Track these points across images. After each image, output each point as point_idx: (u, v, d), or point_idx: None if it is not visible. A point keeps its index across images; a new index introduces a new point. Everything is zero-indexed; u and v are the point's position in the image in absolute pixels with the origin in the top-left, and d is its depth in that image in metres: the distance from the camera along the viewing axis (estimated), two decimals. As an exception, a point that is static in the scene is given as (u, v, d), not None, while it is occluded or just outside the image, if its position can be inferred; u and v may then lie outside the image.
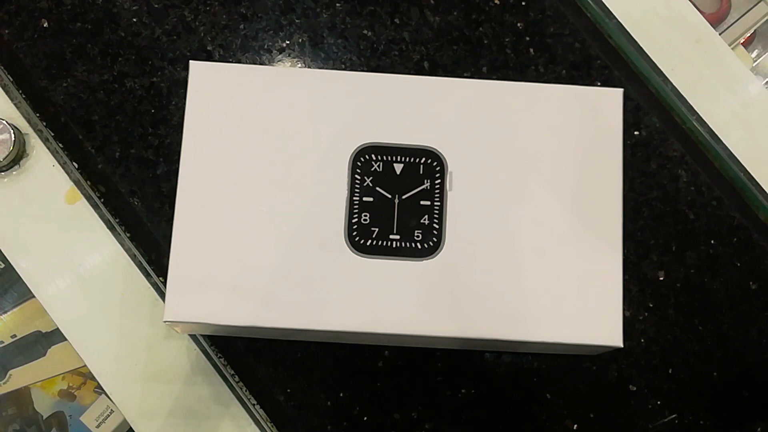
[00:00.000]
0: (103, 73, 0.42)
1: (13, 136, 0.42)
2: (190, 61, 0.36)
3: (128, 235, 0.41)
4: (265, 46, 0.42)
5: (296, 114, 0.35)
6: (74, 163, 0.41)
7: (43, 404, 0.62)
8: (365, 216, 0.35)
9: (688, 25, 0.46)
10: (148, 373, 0.41)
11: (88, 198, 0.43)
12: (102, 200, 0.41)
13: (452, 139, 0.35)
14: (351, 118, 0.35)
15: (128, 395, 0.41)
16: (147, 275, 0.42)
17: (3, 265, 0.62)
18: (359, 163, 0.35)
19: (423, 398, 0.39)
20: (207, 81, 0.36)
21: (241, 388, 0.40)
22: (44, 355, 0.62)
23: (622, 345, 0.34)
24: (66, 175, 0.43)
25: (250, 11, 0.43)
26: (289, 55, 0.43)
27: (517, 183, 0.35)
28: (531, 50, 0.43)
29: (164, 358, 0.41)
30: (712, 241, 0.41)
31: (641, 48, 0.45)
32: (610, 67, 0.43)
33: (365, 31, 0.43)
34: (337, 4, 0.43)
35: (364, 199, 0.35)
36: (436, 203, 0.35)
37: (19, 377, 0.62)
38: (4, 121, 0.42)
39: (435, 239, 0.35)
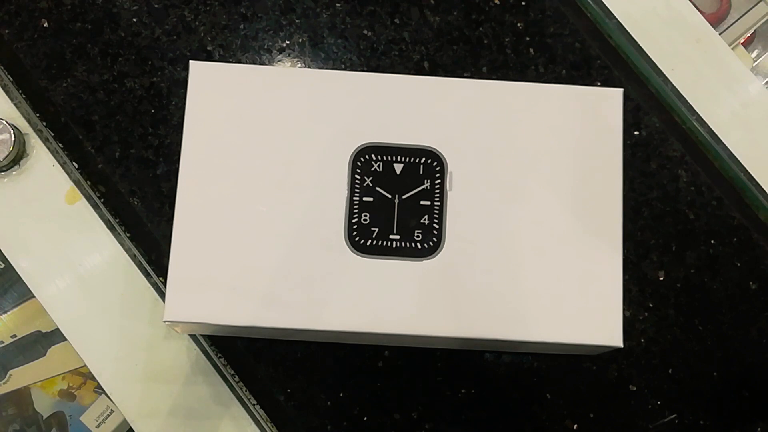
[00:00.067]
0: (103, 73, 0.42)
1: (13, 136, 0.42)
2: (190, 61, 0.36)
3: (128, 235, 0.41)
4: (265, 46, 0.42)
5: (296, 114, 0.35)
6: (74, 163, 0.41)
7: (43, 404, 0.62)
8: (365, 216, 0.35)
9: (688, 25, 0.46)
10: (148, 373, 0.41)
11: (88, 198, 0.43)
12: (102, 200, 0.41)
13: (452, 139, 0.35)
14: (351, 118, 0.35)
15: (128, 395, 0.41)
16: (147, 275, 0.42)
17: (3, 265, 0.62)
18: (359, 163, 0.35)
19: (423, 398, 0.39)
20: (207, 81, 0.36)
21: (241, 388, 0.40)
22: (44, 355, 0.62)
23: (622, 345, 0.34)
24: (66, 175, 0.43)
25: (250, 11, 0.43)
26: (289, 55, 0.43)
27: (517, 183, 0.35)
28: (531, 50, 0.43)
29: (164, 358, 0.41)
30: (712, 241, 0.41)
31: (641, 48, 0.45)
32: (610, 67, 0.43)
33: (365, 31, 0.43)
34: (337, 4, 0.43)
35: (364, 199, 0.35)
36: (436, 203, 0.35)
37: (19, 377, 0.62)
38: (4, 121, 0.42)
39: (435, 239, 0.35)
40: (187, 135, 0.35)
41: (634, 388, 0.40)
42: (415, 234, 0.35)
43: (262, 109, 0.35)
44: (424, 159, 0.35)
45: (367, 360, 0.40)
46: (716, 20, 0.82)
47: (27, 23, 0.42)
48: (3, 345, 0.62)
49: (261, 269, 0.34)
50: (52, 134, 0.41)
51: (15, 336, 0.62)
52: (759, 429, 0.40)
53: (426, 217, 0.35)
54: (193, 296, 0.34)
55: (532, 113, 0.36)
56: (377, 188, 0.35)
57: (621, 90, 0.36)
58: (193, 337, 0.42)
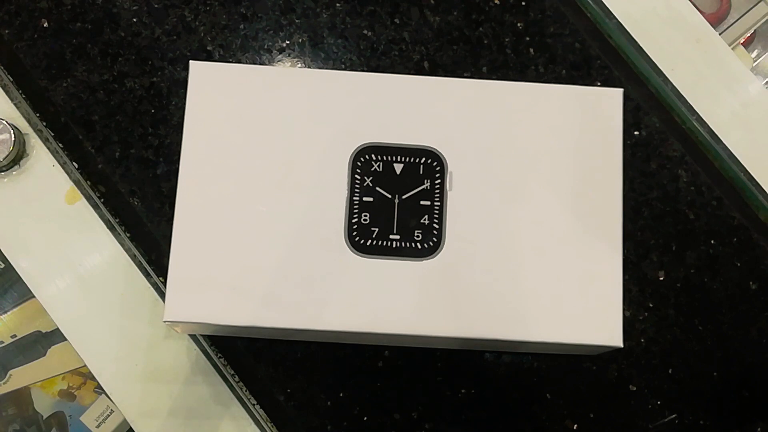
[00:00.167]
0: (103, 73, 0.42)
1: (13, 136, 0.42)
2: (190, 61, 0.36)
3: (128, 235, 0.41)
4: (265, 46, 0.42)
5: (296, 114, 0.35)
6: (74, 163, 0.41)
7: (43, 404, 0.62)
8: (365, 216, 0.35)
9: (688, 25, 0.46)
10: (148, 373, 0.41)
11: (88, 198, 0.43)
12: (102, 200, 0.41)
13: (452, 139, 0.35)
14: (351, 118, 0.35)
15: (128, 395, 0.41)
16: (147, 275, 0.42)
17: (3, 265, 0.61)
18: (359, 163, 0.35)
19: (423, 398, 0.39)
20: (207, 81, 0.36)
21: (241, 388, 0.40)
22: (44, 355, 0.62)
23: (622, 345, 0.34)
24: (66, 175, 0.43)
25: (250, 11, 0.43)
26: (289, 55, 0.43)
27: (517, 183, 0.35)
28: (531, 50, 0.43)
29: (164, 358, 0.41)
30: (712, 241, 0.41)
31: (641, 48, 0.45)
32: (610, 67, 0.43)
33: (365, 31, 0.43)
34: (337, 4, 0.43)
35: (364, 199, 0.35)
36: (436, 203, 0.35)
37: (19, 377, 0.62)
38: (4, 121, 0.42)
39: (435, 239, 0.35)
40: (187, 135, 0.35)
41: (634, 388, 0.40)
42: (415, 234, 0.35)
43: (262, 109, 0.35)
44: (424, 159, 0.35)
45: (367, 360, 0.40)
46: (716, 20, 0.82)
47: (27, 23, 0.42)
48: (3, 345, 0.62)
49: (261, 269, 0.34)
50: (52, 134, 0.41)
51: (15, 336, 0.62)
52: (759, 429, 0.40)
53: (426, 217, 0.35)
54: (193, 296, 0.34)
55: (532, 113, 0.36)
56: (377, 188, 0.35)
57: (621, 90, 0.36)
58: (193, 337, 0.42)
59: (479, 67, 0.42)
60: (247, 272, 0.34)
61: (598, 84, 0.42)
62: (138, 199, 0.41)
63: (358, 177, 0.35)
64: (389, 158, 0.35)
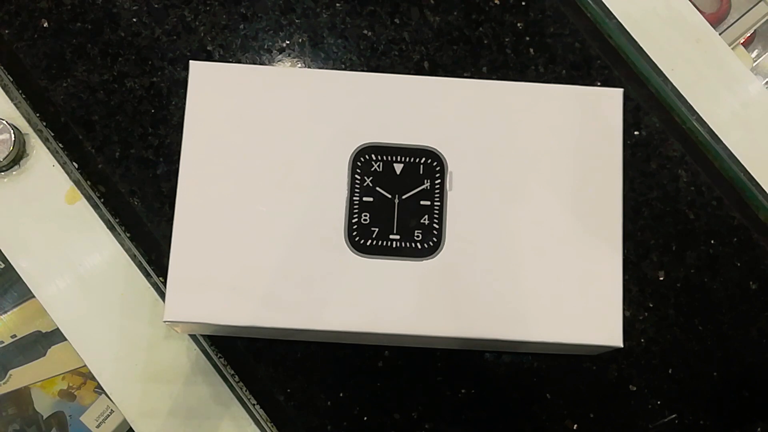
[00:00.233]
0: (103, 73, 0.42)
1: (13, 136, 0.42)
2: (190, 61, 0.36)
3: (128, 235, 0.41)
4: (265, 46, 0.42)
5: (296, 114, 0.35)
6: (74, 163, 0.41)
7: (43, 404, 0.62)
8: (365, 216, 0.35)
9: (688, 25, 0.46)
10: (148, 373, 0.41)
11: (88, 198, 0.43)
12: (102, 200, 0.41)
13: (452, 139, 0.35)
14: (351, 118, 0.35)
15: (128, 395, 0.41)
16: (147, 275, 0.42)
17: (3, 265, 0.62)
18: (359, 163, 0.35)
19: (423, 398, 0.39)
20: (207, 81, 0.36)
21: (241, 388, 0.40)
22: (44, 355, 0.62)
23: (622, 345, 0.34)
24: (66, 175, 0.43)
25: (250, 11, 0.43)
26: (289, 55, 0.43)
27: (517, 183, 0.35)
28: (531, 50, 0.43)
29: (164, 358, 0.41)
30: (712, 241, 0.41)
31: (641, 48, 0.45)
32: (610, 67, 0.43)
33: (365, 31, 0.43)
34: (337, 4, 0.43)
35: (364, 199, 0.35)
36: (436, 203, 0.35)
37: (19, 377, 0.62)
38: (4, 121, 0.42)
39: (435, 239, 0.35)
40: (187, 135, 0.35)
41: (634, 388, 0.40)
42: (415, 234, 0.35)
43: (262, 109, 0.35)
44: (424, 159, 0.35)
45: (367, 360, 0.40)
46: (716, 20, 0.82)
47: (27, 23, 0.42)
48: (3, 345, 0.62)
49: (261, 269, 0.34)
50: (52, 134, 0.41)
51: (15, 336, 0.62)
52: (759, 429, 0.40)
53: (426, 217, 0.35)
54: (193, 296, 0.34)
55: (532, 113, 0.36)
56: (377, 188, 0.35)
57: (621, 90, 0.36)
58: (193, 337, 0.42)
59: (479, 67, 0.42)
60: (247, 272, 0.34)
61: (598, 84, 0.42)
62: (138, 199, 0.41)
63: (358, 177, 0.35)
64: (389, 158, 0.35)
